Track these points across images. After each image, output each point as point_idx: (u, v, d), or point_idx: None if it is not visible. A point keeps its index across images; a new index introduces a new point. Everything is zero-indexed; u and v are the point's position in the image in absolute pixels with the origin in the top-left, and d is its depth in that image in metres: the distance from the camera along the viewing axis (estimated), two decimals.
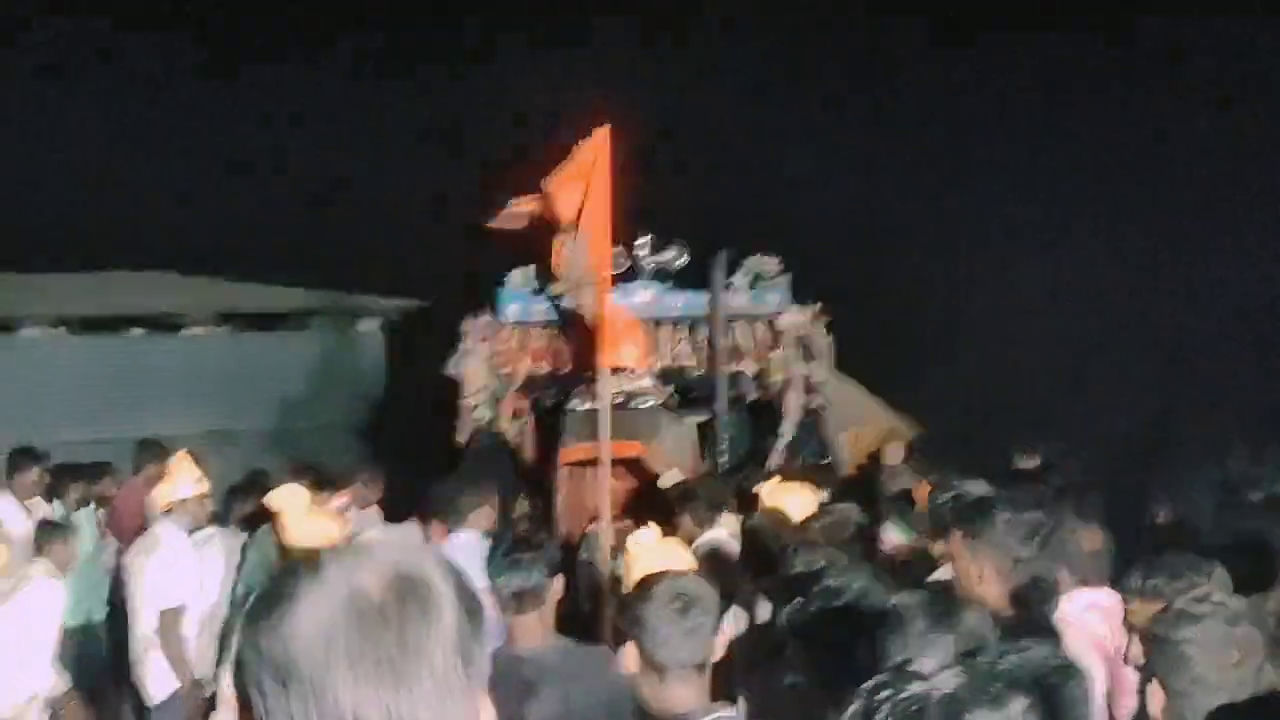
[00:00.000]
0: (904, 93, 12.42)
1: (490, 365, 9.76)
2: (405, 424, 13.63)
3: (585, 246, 8.03)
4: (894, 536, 5.77)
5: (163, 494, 7.35)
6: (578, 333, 8.86)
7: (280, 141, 14.74)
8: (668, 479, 8.02)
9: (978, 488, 5.49)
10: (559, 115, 8.68)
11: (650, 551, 4.80)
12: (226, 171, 14.54)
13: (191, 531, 7.43)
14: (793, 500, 6.51)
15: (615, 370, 8.67)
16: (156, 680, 7.07)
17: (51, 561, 6.98)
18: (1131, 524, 6.54)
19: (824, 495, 8.63)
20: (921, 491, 6.52)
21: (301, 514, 6.10)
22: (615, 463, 8.33)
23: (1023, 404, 11.09)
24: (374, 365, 15.29)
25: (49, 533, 7.36)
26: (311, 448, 11.48)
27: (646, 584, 3.78)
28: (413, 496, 8.91)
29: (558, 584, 4.57)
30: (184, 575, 7.16)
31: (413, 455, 12.67)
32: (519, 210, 8.07)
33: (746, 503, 7.67)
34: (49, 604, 6.64)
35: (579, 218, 7.80)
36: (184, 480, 7.38)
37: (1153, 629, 3.50)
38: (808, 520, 5.83)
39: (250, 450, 12.46)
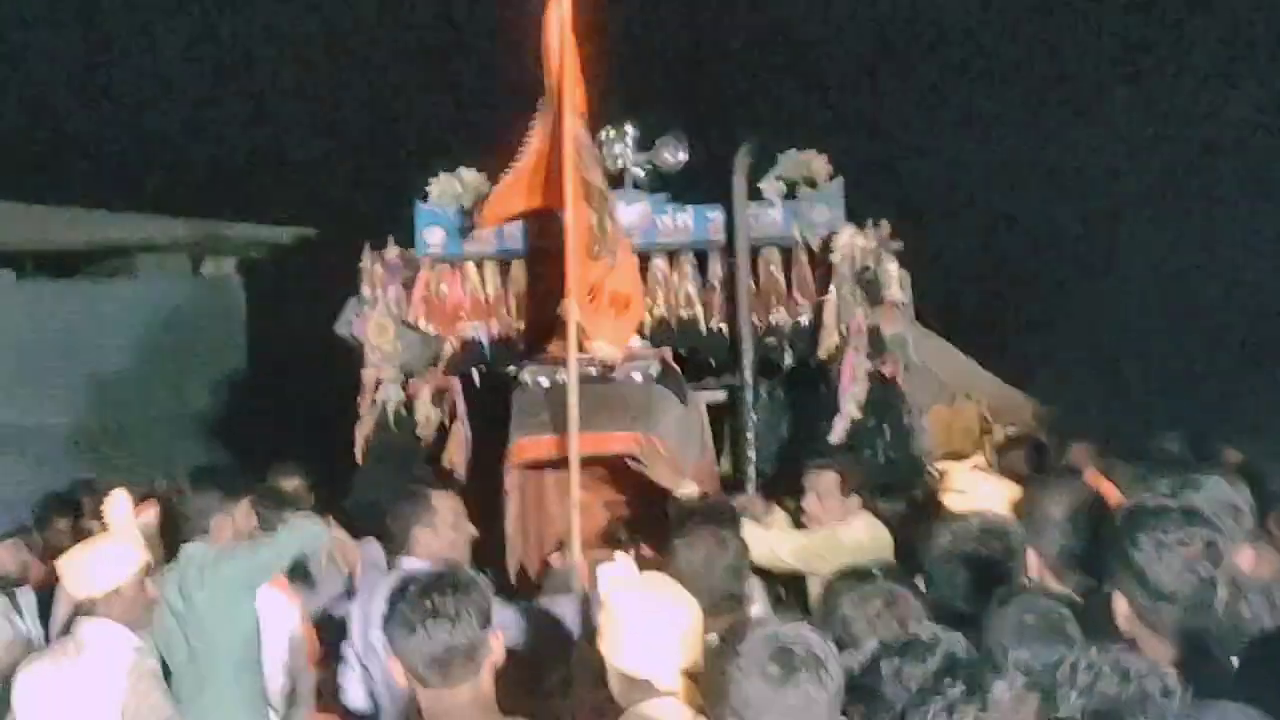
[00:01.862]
0: None
1: (402, 322, 9.69)
2: (274, 411, 13.59)
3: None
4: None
5: None
6: (547, 270, 8.87)
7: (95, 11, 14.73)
8: (686, 490, 8.01)
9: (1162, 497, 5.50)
10: None
11: (629, 593, 4.89)
12: (15, 54, 14.51)
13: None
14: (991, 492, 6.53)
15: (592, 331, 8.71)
16: None
17: None
18: None
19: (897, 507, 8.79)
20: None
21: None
22: (590, 463, 8.34)
23: (1173, 372, 11.18)
24: (229, 324, 15.24)
25: None
26: (138, 449, 11.44)
27: (738, 632, 3.97)
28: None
29: (496, 642, 4.57)
30: None
31: (289, 456, 12.72)
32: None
33: None
34: None
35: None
36: None
37: None
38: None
39: (48, 455, 12.45)
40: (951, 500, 6.73)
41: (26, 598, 8.06)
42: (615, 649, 4.75)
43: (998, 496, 6.49)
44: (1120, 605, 4.48)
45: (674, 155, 9.67)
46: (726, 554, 6.21)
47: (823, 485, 8.00)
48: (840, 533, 7.75)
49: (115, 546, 6.47)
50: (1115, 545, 4.51)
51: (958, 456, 9.85)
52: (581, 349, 8.40)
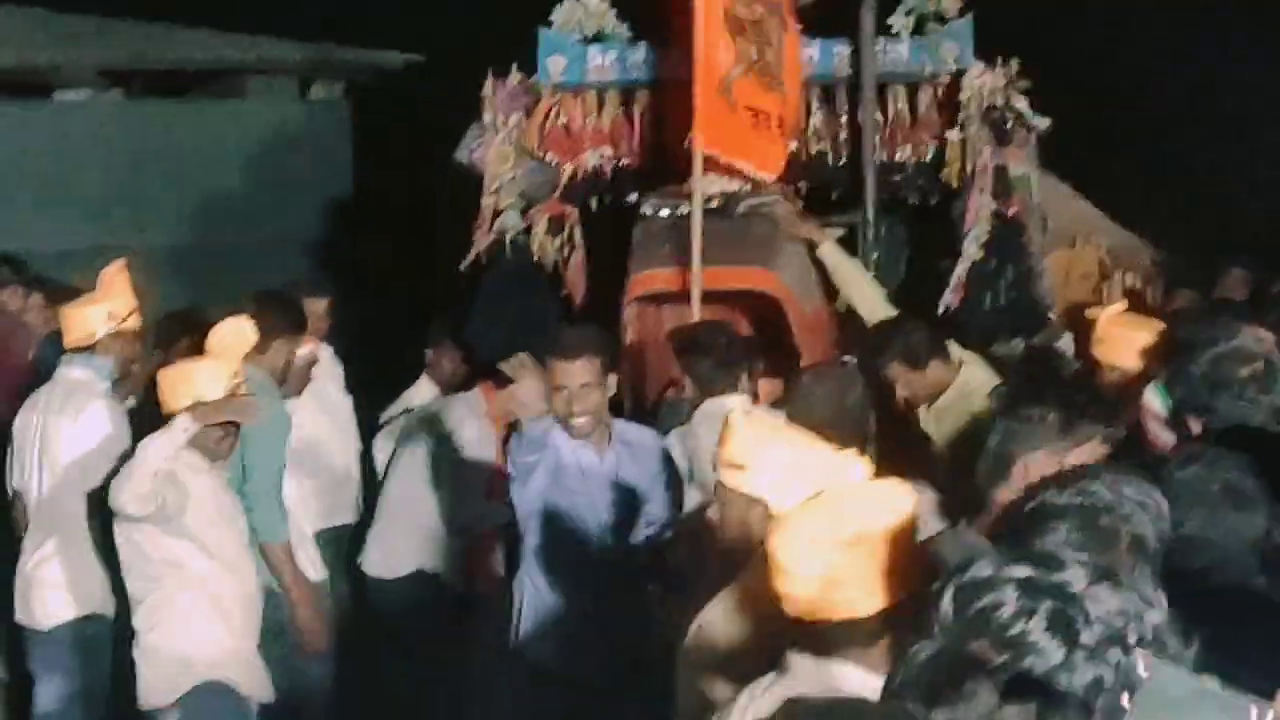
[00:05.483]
0: None
1: (523, 150, 9.56)
2: (386, 235, 13.59)
3: None
4: (1156, 406, 5.73)
5: (81, 324, 7.51)
6: (675, 100, 8.77)
7: None
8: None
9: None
10: None
11: (747, 433, 4.46)
12: None
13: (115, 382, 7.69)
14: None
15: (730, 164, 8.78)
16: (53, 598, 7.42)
17: None
18: None
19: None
20: None
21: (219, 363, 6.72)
22: (709, 298, 8.42)
23: None
24: (338, 148, 15.30)
25: None
26: (243, 271, 11.43)
27: None
28: (411, 342, 9.37)
29: None
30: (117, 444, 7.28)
31: (398, 282, 12.70)
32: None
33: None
34: None
35: None
36: (116, 302, 7.60)
37: None
38: None
39: (152, 276, 12.53)
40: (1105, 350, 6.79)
41: None
42: (732, 470, 4.36)
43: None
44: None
45: None
46: (855, 390, 6.24)
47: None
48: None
49: (208, 366, 6.71)
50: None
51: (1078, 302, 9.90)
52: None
